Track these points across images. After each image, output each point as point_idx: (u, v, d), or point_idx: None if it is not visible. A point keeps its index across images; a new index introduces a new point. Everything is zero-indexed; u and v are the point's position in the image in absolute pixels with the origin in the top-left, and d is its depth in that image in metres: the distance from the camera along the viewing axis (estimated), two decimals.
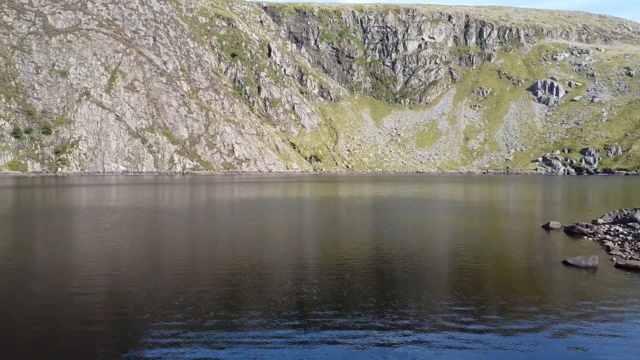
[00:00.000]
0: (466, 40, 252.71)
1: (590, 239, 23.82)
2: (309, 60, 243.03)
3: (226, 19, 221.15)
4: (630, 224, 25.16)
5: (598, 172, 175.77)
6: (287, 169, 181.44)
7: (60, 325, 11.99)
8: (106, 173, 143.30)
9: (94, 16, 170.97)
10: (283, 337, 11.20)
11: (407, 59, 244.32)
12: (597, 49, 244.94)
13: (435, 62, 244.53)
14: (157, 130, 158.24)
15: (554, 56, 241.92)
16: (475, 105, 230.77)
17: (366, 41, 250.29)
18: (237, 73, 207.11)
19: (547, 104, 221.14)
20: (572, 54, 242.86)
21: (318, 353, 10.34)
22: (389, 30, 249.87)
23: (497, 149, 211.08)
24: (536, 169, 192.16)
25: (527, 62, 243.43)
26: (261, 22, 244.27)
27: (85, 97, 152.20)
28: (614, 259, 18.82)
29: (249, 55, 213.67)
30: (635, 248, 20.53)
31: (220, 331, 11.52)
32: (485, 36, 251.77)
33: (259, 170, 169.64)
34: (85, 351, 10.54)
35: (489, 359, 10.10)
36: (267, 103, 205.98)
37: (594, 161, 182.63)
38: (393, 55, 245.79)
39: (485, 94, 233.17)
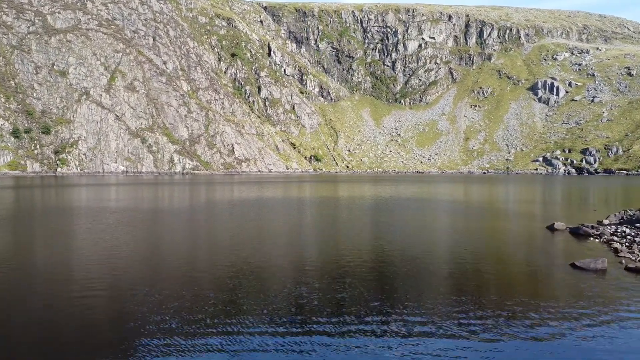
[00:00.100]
0: (466, 40, 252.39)
1: (596, 240, 23.44)
2: (309, 60, 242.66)
3: (226, 18, 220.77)
4: (638, 225, 24.79)
5: (598, 172, 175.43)
6: (287, 169, 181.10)
7: (60, 325, 11.95)
8: (106, 173, 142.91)
9: (94, 16, 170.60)
10: (283, 339, 11.02)
11: (407, 59, 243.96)
12: (598, 48, 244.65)
13: (436, 62, 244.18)
14: (156, 130, 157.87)
15: (554, 56, 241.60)
16: (476, 105, 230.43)
17: (366, 41, 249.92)
18: (237, 73, 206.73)
19: (547, 104, 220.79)
20: (572, 53, 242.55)
21: (318, 356, 10.17)
22: (389, 30, 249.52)
23: (497, 149, 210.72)
24: (536, 169, 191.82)
25: (527, 62, 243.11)
26: (261, 22, 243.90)
27: (84, 97, 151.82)
28: (623, 261, 18.46)
29: (248, 55, 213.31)
30: None
31: (219, 333, 11.37)
32: (485, 36, 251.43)
33: (259, 170, 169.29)
34: (85, 351, 10.54)
35: None
36: (267, 103, 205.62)
37: (595, 161, 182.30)
38: (393, 55, 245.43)
39: (485, 93, 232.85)
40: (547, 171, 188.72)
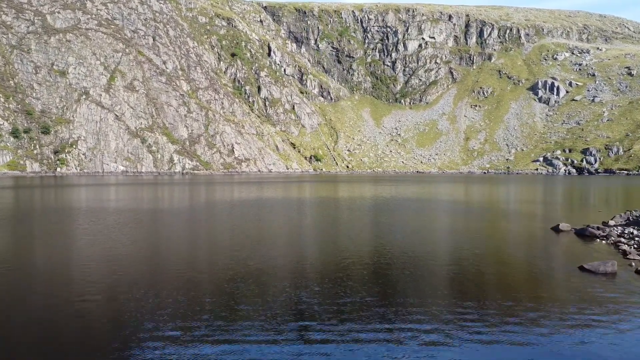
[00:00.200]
0: (466, 40, 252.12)
1: (603, 242, 23.05)
2: (309, 60, 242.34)
3: (226, 18, 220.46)
4: None
5: (599, 172, 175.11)
6: (287, 169, 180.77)
7: (58, 326, 11.92)
8: (105, 173, 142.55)
9: (93, 16, 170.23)
10: (282, 346, 10.76)
11: (407, 59, 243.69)
12: (598, 48, 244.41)
13: (436, 62, 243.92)
14: (156, 130, 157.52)
15: (555, 56, 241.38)
16: (476, 105, 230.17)
17: (366, 41, 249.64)
18: (236, 73, 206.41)
19: (547, 104, 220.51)
20: (572, 53, 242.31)
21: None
22: (389, 29, 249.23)
23: (497, 149, 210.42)
24: (537, 169, 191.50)
25: (527, 61, 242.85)
26: (261, 21, 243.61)
27: (84, 96, 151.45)
28: (633, 264, 18.07)
29: (248, 55, 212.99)
30: None
31: (217, 338, 11.13)
32: (485, 36, 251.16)
33: (259, 170, 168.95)
34: (84, 352, 10.54)
35: None
36: (267, 103, 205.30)
37: (595, 161, 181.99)
38: (393, 55, 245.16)
39: (485, 93, 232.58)
40: (547, 171, 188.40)
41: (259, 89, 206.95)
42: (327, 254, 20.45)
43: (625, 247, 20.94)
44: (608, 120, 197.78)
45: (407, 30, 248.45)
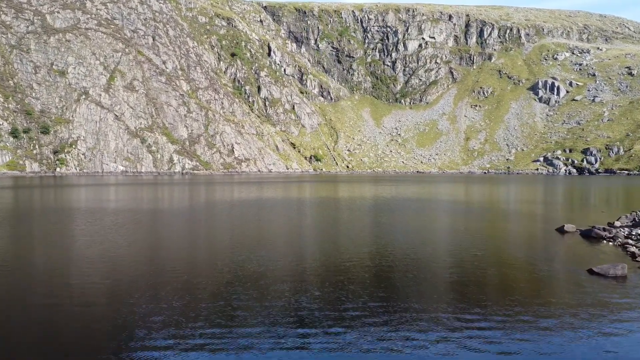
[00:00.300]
0: (467, 40, 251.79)
1: (610, 243, 22.70)
2: (309, 60, 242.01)
3: (226, 18, 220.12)
4: None
5: (599, 172, 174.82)
6: (287, 169, 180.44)
7: (58, 327, 11.91)
8: (105, 173, 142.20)
9: (93, 15, 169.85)
10: (282, 349, 10.60)
11: (407, 59, 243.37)
12: (598, 48, 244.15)
13: (436, 62, 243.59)
14: (156, 130, 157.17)
15: (555, 56, 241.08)
16: (476, 105, 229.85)
17: (366, 41, 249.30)
18: (236, 73, 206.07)
19: (548, 104, 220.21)
20: (573, 53, 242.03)
21: None
22: (389, 29, 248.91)
23: (498, 148, 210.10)
24: (537, 169, 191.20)
25: (527, 61, 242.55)
26: (261, 21, 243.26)
27: (84, 96, 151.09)
28: None
29: (248, 54, 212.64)
30: None
31: (215, 341, 10.96)
32: (485, 36, 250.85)
33: (259, 170, 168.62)
34: (84, 352, 10.51)
35: None
36: (267, 103, 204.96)
37: (596, 161, 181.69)
38: (393, 54, 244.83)
39: (485, 93, 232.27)
40: (547, 171, 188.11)
41: (259, 88, 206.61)
42: (327, 255, 20.11)
43: (633, 249, 20.58)
44: (608, 120, 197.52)
45: (407, 30, 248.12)
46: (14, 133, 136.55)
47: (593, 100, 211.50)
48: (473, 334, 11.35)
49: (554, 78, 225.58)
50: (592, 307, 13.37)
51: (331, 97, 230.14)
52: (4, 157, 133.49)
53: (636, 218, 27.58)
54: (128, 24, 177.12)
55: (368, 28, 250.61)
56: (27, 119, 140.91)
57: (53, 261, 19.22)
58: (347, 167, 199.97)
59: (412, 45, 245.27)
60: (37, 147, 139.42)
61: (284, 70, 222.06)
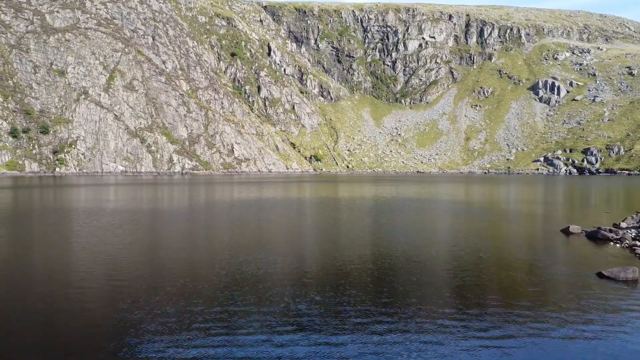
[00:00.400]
0: (467, 40, 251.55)
1: (617, 245, 22.34)
2: (309, 60, 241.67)
3: (226, 18, 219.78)
4: None
5: (600, 172, 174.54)
6: (287, 169, 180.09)
7: (57, 329, 11.86)
8: (104, 173, 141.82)
9: (93, 15, 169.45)
10: (282, 350, 10.43)
11: (407, 59, 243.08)
12: (599, 48, 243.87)
13: (436, 62, 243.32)
14: (156, 130, 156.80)
15: (555, 56, 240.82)
16: (476, 105, 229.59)
17: (366, 40, 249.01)
18: (236, 72, 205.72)
19: (548, 104, 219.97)
20: (573, 53, 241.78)
21: None
22: (389, 29, 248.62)
23: (498, 148, 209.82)
24: (538, 169, 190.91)
25: (528, 61, 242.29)
26: (261, 21, 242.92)
27: (83, 96, 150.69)
28: None
29: (248, 54, 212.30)
30: None
31: (213, 345, 10.74)
32: (486, 35, 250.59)
33: (259, 170, 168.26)
34: (83, 353, 10.48)
35: None
36: (266, 103, 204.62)
37: (596, 161, 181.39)
38: (393, 54, 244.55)
39: (486, 93, 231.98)
40: (548, 171, 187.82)
41: (259, 88, 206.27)
42: (328, 258, 19.73)
43: None
44: (609, 120, 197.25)
45: (407, 30, 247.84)
46: (14, 133, 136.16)
47: (593, 100, 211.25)
48: (481, 342, 10.98)
49: (554, 78, 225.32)
50: (604, 312, 12.98)
51: (331, 97, 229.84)
52: (3, 157, 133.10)
53: None
54: (128, 24, 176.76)
55: (368, 28, 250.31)
56: (26, 118, 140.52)
57: (47, 262, 18.88)
58: (347, 167, 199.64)
59: (412, 45, 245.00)
60: (36, 147, 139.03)
61: (284, 70, 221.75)
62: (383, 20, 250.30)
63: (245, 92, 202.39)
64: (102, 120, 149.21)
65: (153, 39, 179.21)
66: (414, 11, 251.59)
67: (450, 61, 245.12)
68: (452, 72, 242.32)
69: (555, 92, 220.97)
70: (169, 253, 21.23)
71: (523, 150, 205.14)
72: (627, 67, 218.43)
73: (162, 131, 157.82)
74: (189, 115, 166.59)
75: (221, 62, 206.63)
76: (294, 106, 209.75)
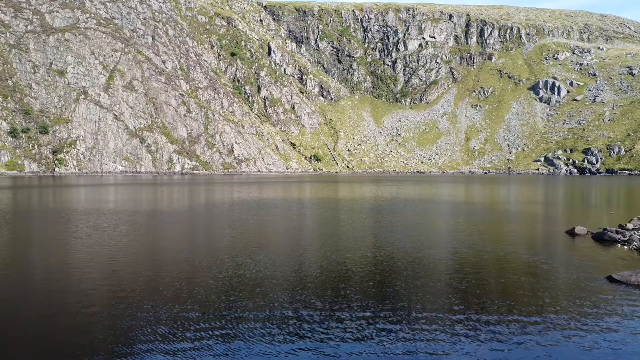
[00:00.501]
0: (467, 40, 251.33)
1: (625, 247, 21.89)
2: (309, 60, 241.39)
3: (226, 18, 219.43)
4: None
5: (601, 172, 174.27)
6: (287, 168, 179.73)
7: (56, 331, 11.76)
8: (104, 173, 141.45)
9: (92, 15, 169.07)
10: (281, 357, 10.08)
11: (407, 59, 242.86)
12: (599, 48, 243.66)
13: (436, 62, 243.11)
14: (155, 130, 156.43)
15: (556, 55, 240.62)
16: (477, 105, 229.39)
17: (366, 40, 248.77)
18: (236, 72, 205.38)
19: (548, 104, 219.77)
20: (573, 53, 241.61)
21: None
22: (389, 29, 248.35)
23: (498, 148, 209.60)
24: (538, 169, 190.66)
25: (528, 61, 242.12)
26: (261, 21, 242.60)
27: (83, 96, 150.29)
28: None
29: (248, 54, 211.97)
30: None
31: (212, 348, 10.47)
32: (486, 35, 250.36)
33: (259, 170, 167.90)
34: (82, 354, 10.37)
35: None
36: (266, 102, 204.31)
37: (597, 161, 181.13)
38: (394, 54, 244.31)
39: (486, 93, 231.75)
40: (548, 171, 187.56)
41: (259, 88, 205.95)
42: (328, 260, 19.24)
43: None
44: (609, 120, 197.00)
45: (407, 29, 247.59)
46: (13, 133, 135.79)
47: (594, 100, 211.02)
48: (491, 351, 10.54)
49: (554, 78, 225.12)
50: (619, 319, 12.49)
51: (331, 97, 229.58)
52: (3, 157, 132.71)
53: None
54: (127, 24, 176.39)
55: (368, 28, 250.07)
56: (25, 118, 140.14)
57: (38, 265, 18.44)
58: (347, 167, 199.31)
59: (413, 45, 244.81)
60: (36, 147, 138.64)
61: (284, 70, 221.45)
62: (383, 20, 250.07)
63: (245, 92, 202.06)
64: (101, 120, 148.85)
65: (153, 39, 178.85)
66: (414, 11, 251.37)
67: (451, 61, 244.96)
68: (452, 72, 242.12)
69: (556, 92, 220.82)
70: (165, 255, 20.80)
71: (523, 150, 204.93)
72: (628, 67, 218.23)
73: (162, 131, 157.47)
74: (189, 115, 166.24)
75: (221, 62, 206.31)
76: (294, 106, 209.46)
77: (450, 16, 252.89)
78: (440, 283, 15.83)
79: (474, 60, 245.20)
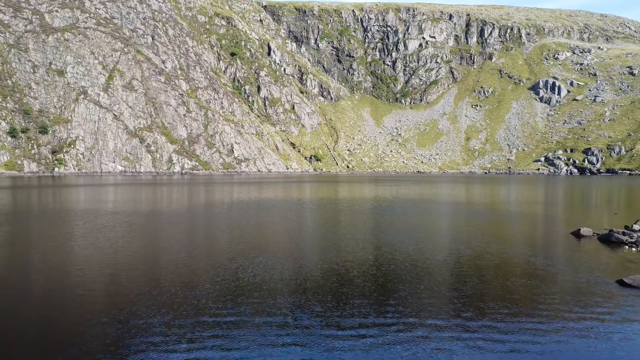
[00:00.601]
0: (467, 40, 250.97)
1: (633, 249, 21.43)
2: (309, 60, 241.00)
3: (225, 17, 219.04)
4: None
5: (601, 172, 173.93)
6: (287, 168, 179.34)
7: (56, 331, 11.66)
8: (104, 173, 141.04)
9: (92, 14, 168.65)
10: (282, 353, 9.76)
11: (407, 58, 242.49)
12: (599, 48, 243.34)
13: (436, 62, 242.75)
14: (155, 130, 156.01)
15: (556, 55, 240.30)
16: (477, 105, 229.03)
17: (367, 40, 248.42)
18: (236, 72, 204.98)
19: (549, 104, 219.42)
20: (573, 53, 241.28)
21: None
22: (389, 29, 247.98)
23: (498, 148, 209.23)
24: (538, 169, 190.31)
25: (528, 61, 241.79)
26: (261, 21, 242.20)
27: (82, 96, 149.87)
28: None
29: (248, 54, 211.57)
30: None
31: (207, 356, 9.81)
32: (486, 35, 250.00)
33: (259, 170, 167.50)
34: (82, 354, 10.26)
35: None
36: (266, 102, 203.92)
37: (597, 161, 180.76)
38: (394, 54, 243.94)
39: (486, 93, 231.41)
40: (549, 171, 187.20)
41: (259, 88, 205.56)
42: (329, 263, 18.78)
43: None
44: (610, 120, 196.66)
45: (407, 29, 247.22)
46: (12, 133, 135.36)
47: (594, 100, 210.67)
48: (494, 352, 10.21)
49: (554, 78, 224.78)
50: (634, 326, 12.01)
51: (331, 97, 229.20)
52: (2, 157, 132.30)
53: None
54: (127, 23, 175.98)
55: (368, 27, 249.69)
56: (25, 118, 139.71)
57: (28, 268, 18.05)
58: (348, 167, 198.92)
59: (413, 45, 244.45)
60: (35, 146, 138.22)
61: (284, 69, 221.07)
62: (383, 20, 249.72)
63: (245, 92, 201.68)
64: (101, 120, 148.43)
65: (152, 39, 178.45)
66: (414, 11, 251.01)
67: (451, 61, 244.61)
68: (452, 72, 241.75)
69: (556, 92, 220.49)
70: (161, 258, 20.34)
71: (524, 150, 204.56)
72: (628, 67, 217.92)
73: (162, 131, 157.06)
74: (189, 115, 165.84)
75: (221, 61, 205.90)
76: (293, 106, 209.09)
77: (451, 16, 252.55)
78: (445, 288, 15.40)
79: (474, 60, 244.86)
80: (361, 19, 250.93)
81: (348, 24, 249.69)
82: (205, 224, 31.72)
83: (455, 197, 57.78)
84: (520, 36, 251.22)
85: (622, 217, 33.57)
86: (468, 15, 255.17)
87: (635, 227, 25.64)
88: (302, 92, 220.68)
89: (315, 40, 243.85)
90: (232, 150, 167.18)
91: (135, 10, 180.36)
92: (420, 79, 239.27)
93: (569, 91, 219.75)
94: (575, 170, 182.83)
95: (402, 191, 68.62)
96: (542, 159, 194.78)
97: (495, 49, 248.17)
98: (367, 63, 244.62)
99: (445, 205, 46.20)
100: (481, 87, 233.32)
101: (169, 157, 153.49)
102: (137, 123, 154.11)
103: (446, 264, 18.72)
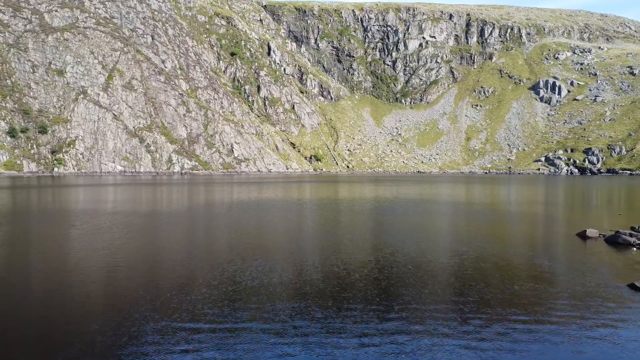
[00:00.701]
0: (467, 39, 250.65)
1: None
2: (309, 60, 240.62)
3: (225, 17, 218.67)
4: None
5: (602, 172, 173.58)
6: (287, 168, 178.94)
7: (56, 331, 11.59)
8: (103, 173, 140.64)
9: (91, 14, 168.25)
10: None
11: (408, 58, 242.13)
12: (600, 48, 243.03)
13: (436, 61, 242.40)
14: (155, 130, 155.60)
15: (556, 55, 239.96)
16: (477, 105, 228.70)
17: (367, 40, 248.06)
18: (236, 72, 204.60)
19: (549, 104, 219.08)
20: (574, 53, 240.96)
21: None
22: (389, 29, 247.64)
23: (499, 148, 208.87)
24: (539, 169, 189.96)
25: (528, 61, 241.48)
26: (261, 20, 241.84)
27: (82, 96, 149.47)
28: None
29: (248, 54, 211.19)
30: None
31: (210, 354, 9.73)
32: (486, 35, 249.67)
33: (259, 170, 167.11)
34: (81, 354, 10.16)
35: None
36: (266, 102, 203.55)
37: (598, 161, 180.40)
38: (394, 54, 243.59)
39: (486, 93, 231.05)
40: (549, 171, 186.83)
41: (259, 88, 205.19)
42: (329, 265, 18.32)
43: None
44: (610, 119, 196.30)
45: (407, 29, 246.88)
46: (12, 132, 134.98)
47: (594, 99, 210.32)
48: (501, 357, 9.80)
49: (555, 77, 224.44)
50: None
51: (331, 97, 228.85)
52: (1, 157, 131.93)
53: None
54: (127, 23, 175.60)
55: (368, 27, 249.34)
56: (24, 118, 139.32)
57: (39, 265, 17.65)
58: (348, 167, 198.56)
59: (413, 45, 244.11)
60: (34, 146, 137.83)
61: (284, 69, 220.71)
62: (383, 19, 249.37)
63: (245, 92, 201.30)
64: (100, 120, 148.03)
65: (152, 38, 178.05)
66: (414, 11, 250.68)
67: (451, 61, 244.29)
68: (452, 72, 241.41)
69: (556, 92, 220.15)
70: (158, 260, 19.91)
71: (524, 150, 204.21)
72: (629, 67, 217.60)
73: (161, 131, 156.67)
74: (189, 115, 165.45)
75: (221, 61, 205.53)
76: (293, 106, 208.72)
77: (451, 16, 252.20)
78: (450, 292, 14.96)
79: (474, 60, 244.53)
80: (361, 18, 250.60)
81: (348, 24, 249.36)
82: (205, 224, 31.33)
83: (455, 197, 57.38)
84: (521, 36, 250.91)
85: (626, 218, 33.15)
86: (468, 15, 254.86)
87: None
88: (302, 92, 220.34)
89: (315, 40, 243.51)
90: (232, 150, 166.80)
91: (134, 10, 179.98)
92: (421, 79, 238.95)
93: (569, 91, 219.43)
94: (576, 170, 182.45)
95: (402, 191, 68.21)
96: (543, 159, 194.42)
97: (495, 48, 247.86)
98: (367, 63, 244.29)
99: (446, 206, 45.80)
100: (481, 87, 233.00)
101: (169, 157, 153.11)
102: (136, 123, 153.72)
103: (450, 267, 18.28)
